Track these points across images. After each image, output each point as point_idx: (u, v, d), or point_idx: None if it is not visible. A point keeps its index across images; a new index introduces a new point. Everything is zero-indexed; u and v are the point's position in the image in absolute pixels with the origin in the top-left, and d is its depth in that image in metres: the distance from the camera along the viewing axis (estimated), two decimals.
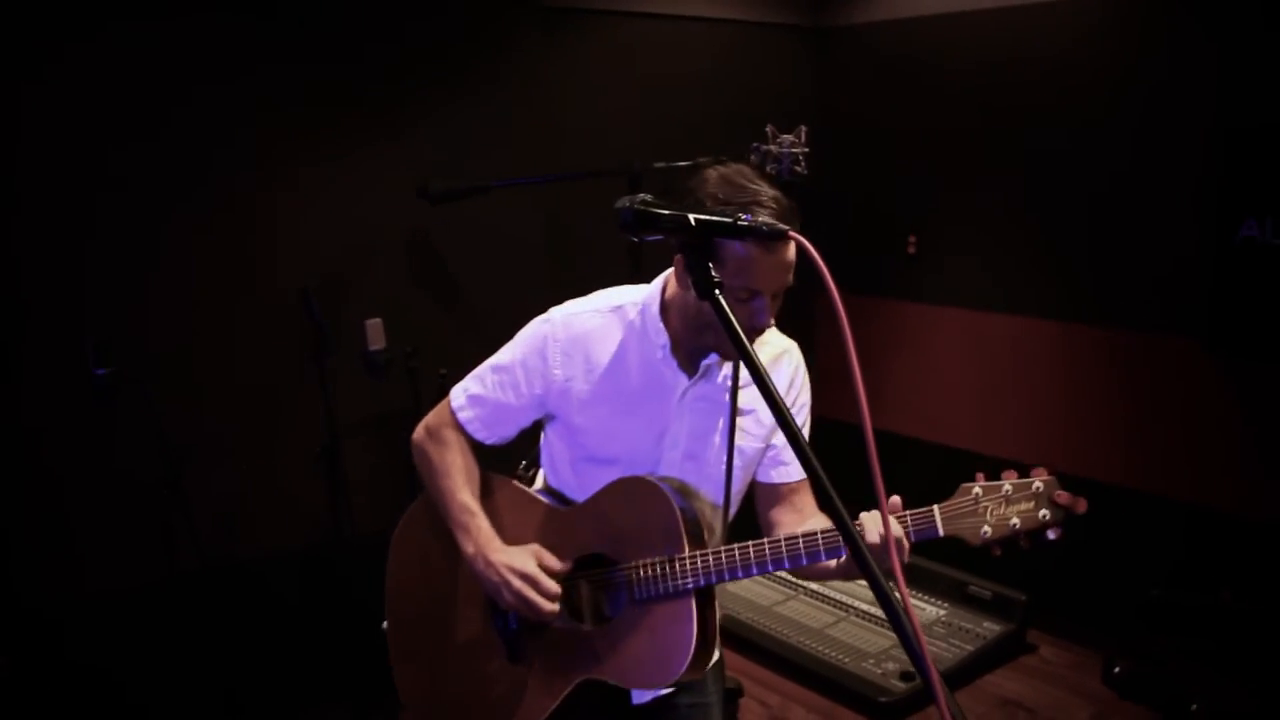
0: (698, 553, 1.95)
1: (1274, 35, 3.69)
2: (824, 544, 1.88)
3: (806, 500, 2.20)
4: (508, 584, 2.02)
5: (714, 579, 1.95)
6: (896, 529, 1.83)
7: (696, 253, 1.56)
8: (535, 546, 2.09)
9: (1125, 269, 4.22)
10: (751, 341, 1.85)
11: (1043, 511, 1.80)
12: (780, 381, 2.12)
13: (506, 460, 2.29)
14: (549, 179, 3.86)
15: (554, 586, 2.04)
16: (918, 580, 4.76)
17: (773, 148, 3.63)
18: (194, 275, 3.58)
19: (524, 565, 2.03)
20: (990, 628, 4.42)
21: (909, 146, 4.81)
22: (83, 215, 3.35)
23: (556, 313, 2.10)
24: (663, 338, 2.01)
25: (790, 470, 2.17)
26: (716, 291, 1.53)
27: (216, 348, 3.65)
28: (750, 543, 1.94)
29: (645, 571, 1.99)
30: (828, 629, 4.51)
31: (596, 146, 4.25)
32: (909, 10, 4.81)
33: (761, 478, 2.19)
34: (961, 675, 4.21)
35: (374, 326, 3.65)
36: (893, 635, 4.40)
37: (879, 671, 4.17)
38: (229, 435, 3.70)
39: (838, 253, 5.33)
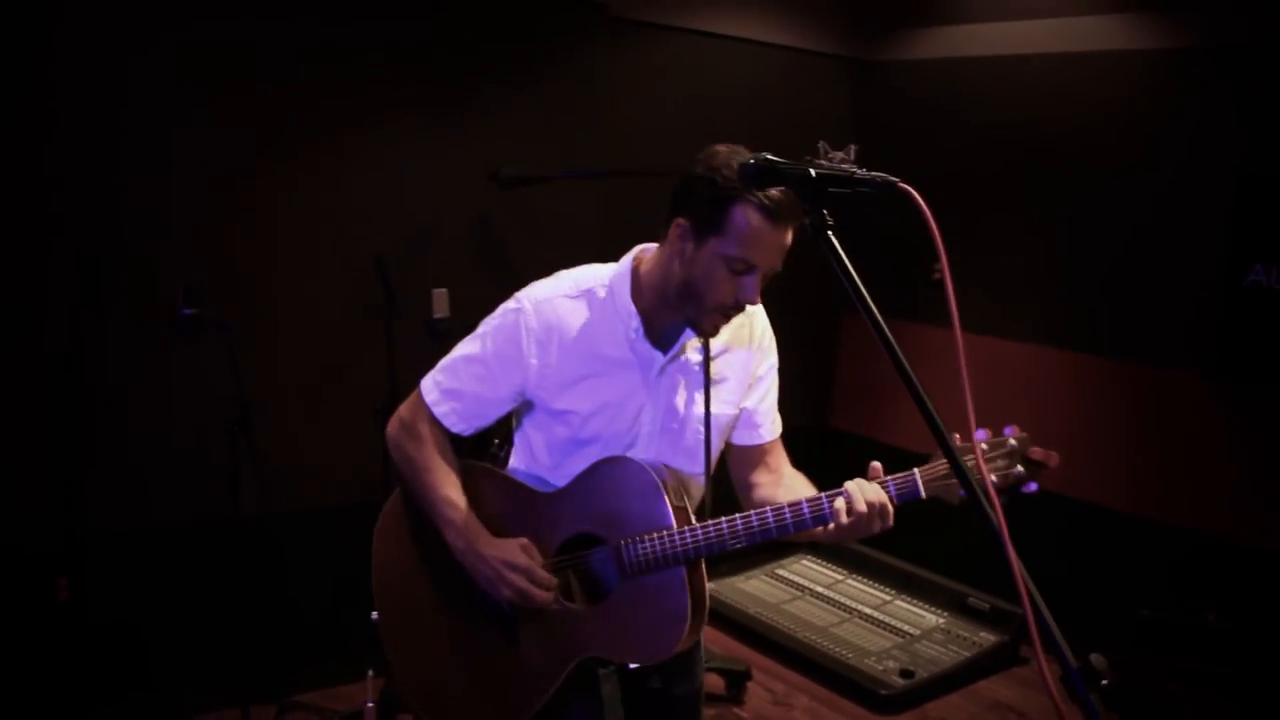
0: (686, 528, 1.99)
1: None
2: (810, 513, 1.94)
3: (779, 459, 2.27)
4: (502, 577, 2.06)
5: (703, 553, 1.98)
6: (880, 494, 1.91)
7: (812, 201, 1.74)
8: (524, 540, 2.10)
9: (1141, 305, 4.48)
10: (729, 320, 2.03)
11: (1017, 468, 1.89)
12: (748, 344, 2.19)
13: (479, 437, 2.28)
14: (613, 174, 4.09)
15: (548, 576, 2.07)
16: (921, 591, 4.98)
17: (824, 163, 3.87)
18: (281, 233, 3.85)
19: (515, 558, 2.06)
20: (986, 637, 4.64)
21: (940, 178, 5.04)
22: (189, 170, 3.64)
23: (526, 301, 2.09)
24: (635, 320, 2.05)
25: (762, 432, 2.24)
26: (829, 232, 1.71)
27: (294, 302, 3.91)
28: (738, 515, 1.98)
29: (635, 548, 2.02)
30: (832, 628, 4.72)
31: (649, 149, 4.50)
32: (948, 51, 5.10)
33: (736, 441, 2.25)
34: (957, 678, 4.42)
35: (439, 296, 3.87)
36: (893, 637, 4.63)
37: (880, 668, 4.38)
38: (297, 386, 3.95)
39: (866, 276, 5.57)
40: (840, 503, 1.91)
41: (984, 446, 1.88)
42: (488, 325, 2.15)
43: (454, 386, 2.15)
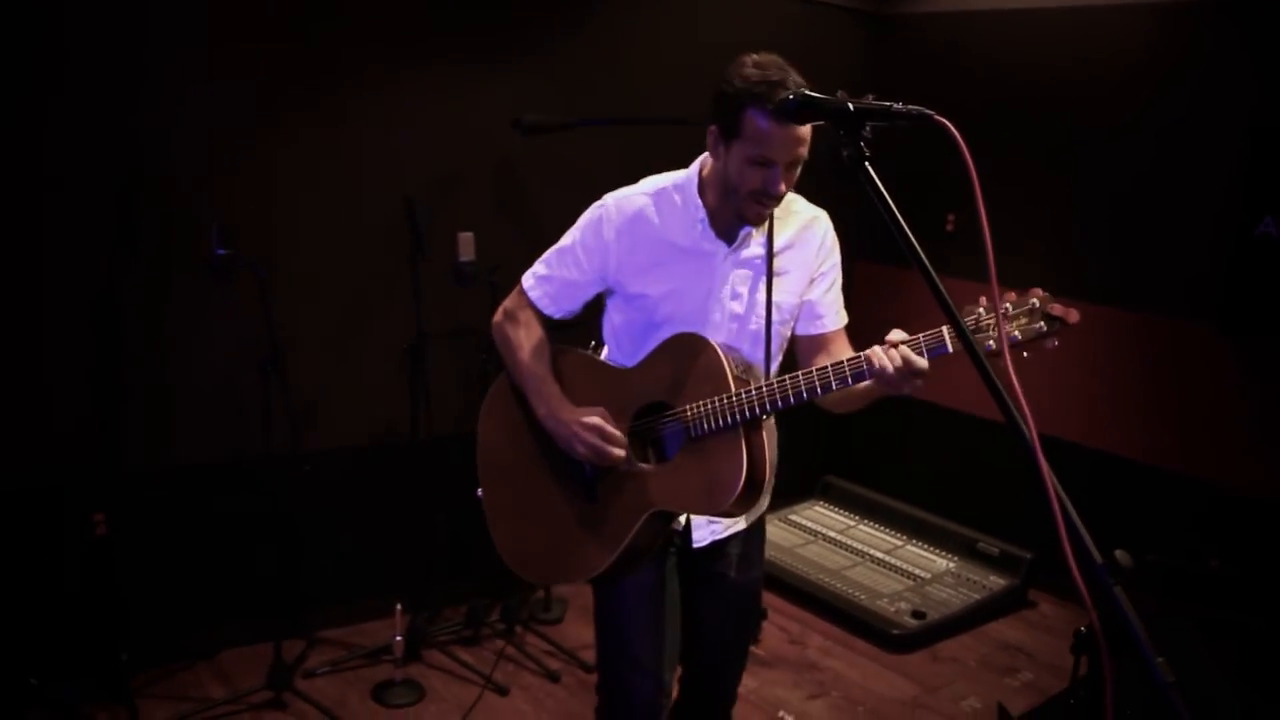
0: (741, 390, 2.20)
1: None
2: (850, 370, 2.11)
3: (841, 348, 2.46)
4: (577, 436, 2.33)
5: (758, 411, 2.19)
6: (901, 356, 2.06)
7: (850, 134, 1.81)
8: (599, 408, 2.36)
9: (1152, 257, 4.54)
10: (766, 207, 2.25)
11: (1039, 324, 1.99)
12: (811, 243, 2.42)
13: (579, 343, 2.56)
14: (631, 122, 4.15)
15: (618, 434, 2.33)
16: (931, 536, 5.10)
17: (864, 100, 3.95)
18: (312, 176, 3.94)
19: (590, 419, 2.33)
20: (996, 581, 4.75)
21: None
22: (223, 114, 3.74)
23: (609, 197, 2.41)
24: (701, 212, 2.32)
25: (825, 322, 2.47)
26: (866, 164, 1.80)
27: (325, 244, 4.01)
28: (786, 376, 2.19)
29: (698, 411, 2.24)
30: (845, 571, 4.83)
31: (667, 98, 4.54)
32: (960, 4, 5.13)
33: (800, 331, 2.48)
34: (966, 620, 4.54)
35: (465, 239, 3.93)
36: (905, 580, 4.74)
37: (892, 609, 4.49)
38: (327, 326, 4.05)
39: (880, 225, 5.64)
40: (871, 358, 2.08)
41: (1008, 306, 2.00)
42: (579, 221, 2.44)
43: (546, 273, 2.47)
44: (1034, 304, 2.01)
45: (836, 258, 2.48)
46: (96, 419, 3.64)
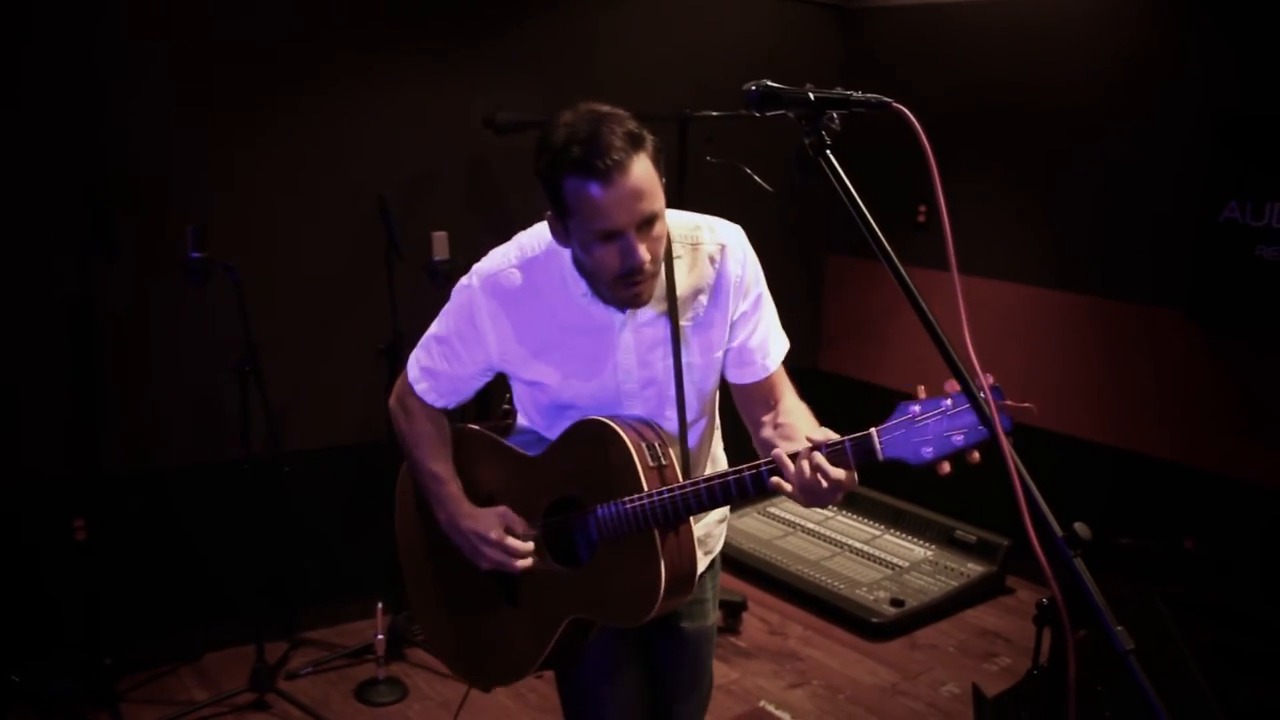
0: (653, 492, 1.95)
1: (1268, 29, 4.08)
2: (768, 472, 1.86)
3: (780, 394, 2.18)
4: (477, 550, 2.12)
5: (672, 517, 1.95)
6: (814, 471, 1.78)
7: (811, 123, 1.78)
8: (502, 509, 2.13)
9: (1119, 243, 4.60)
10: (643, 283, 1.90)
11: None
12: (722, 282, 2.08)
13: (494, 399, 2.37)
14: None
15: (521, 546, 2.09)
16: (909, 525, 5.15)
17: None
18: (285, 178, 3.96)
19: (488, 530, 2.10)
20: (973, 568, 4.79)
21: (925, 123, 5.17)
22: (195, 116, 3.75)
23: (475, 276, 2.07)
24: (580, 285, 1.99)
25: (755, 370, 2.15)
26: (828, 152, 1.79)
27: (299, 246, 4.03)
28: (701, 479, 1.94)
29: (605, 512, 2.00)
30: (823, 561, 4.86)
31: (643, 94, 4.58)
32: None
33: (733, 380, 2.19)
34: (945, 607, 4.59)
35: (439, 239, 3.94)
36: (883, 569, 4.78)
37: (871, 598, 4.53)
38: (303, 328, 4.07)
39: (852, 217, 5.68)
40: (775, 480, 1.85)
41: (948, 403, 1.73)
42: (449, 305, 2.15)
43: (429, 365, 2.19)
44: (982, 398, 1.59)
45: (760, 288, 2.14)
46: (74, 424, 3.63)
